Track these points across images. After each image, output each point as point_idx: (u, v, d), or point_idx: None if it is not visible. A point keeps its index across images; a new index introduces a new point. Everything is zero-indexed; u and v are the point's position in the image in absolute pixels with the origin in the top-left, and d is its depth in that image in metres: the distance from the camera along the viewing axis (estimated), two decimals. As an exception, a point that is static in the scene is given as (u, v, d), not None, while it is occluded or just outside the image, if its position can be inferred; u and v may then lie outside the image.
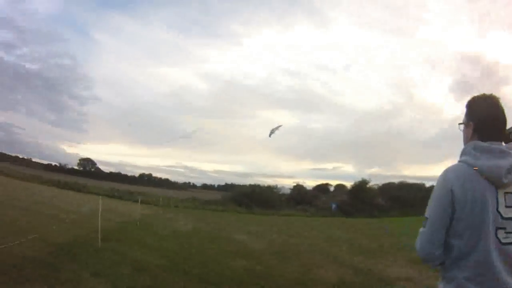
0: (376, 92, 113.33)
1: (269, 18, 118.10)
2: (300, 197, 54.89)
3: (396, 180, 60.58)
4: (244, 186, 59.11)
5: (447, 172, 2.26)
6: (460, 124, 2.46)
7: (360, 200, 49.87)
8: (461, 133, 2.45)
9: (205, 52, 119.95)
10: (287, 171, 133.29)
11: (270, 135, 23.67)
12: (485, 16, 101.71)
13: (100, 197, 17.91)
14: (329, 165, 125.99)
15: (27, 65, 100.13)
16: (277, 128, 25.15)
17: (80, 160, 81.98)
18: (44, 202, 23.74)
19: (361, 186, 52.82)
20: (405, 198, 50.29)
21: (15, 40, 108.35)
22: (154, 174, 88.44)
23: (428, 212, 2.29)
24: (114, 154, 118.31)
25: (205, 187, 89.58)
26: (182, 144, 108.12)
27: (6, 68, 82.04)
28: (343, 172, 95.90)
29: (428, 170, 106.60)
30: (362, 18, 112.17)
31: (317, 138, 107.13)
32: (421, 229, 2.31)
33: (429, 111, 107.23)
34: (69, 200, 29.28)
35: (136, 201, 29.41)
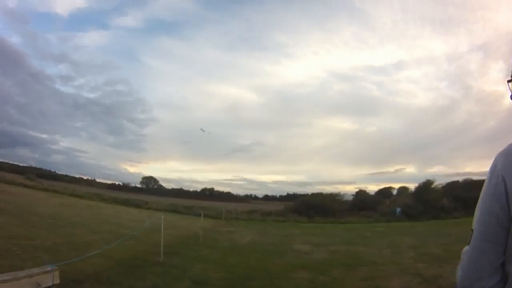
0: (430, 87, 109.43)
1: (312, 25, 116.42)
2: (362, 203, 53.34)
3: (459, 178, 58.47)
4: (305, 195, 58.49)
5: (496, 157, 1.69)
6: (509, 81, 1.84)
7: (423, 202, 47.78)
8: None
9: (254, 65, 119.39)
10: (348, 177, 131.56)
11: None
12: None
13: (162, 212, 18.08)
14: (390, 168, 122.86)
15: (85, 94, 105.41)
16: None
17: (143, 178, 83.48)
18: (106, 219, 24.43)
19: (425, 187, 50.88)
20: (471, 197, 48.35)
21: (71, 73, 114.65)
22: (215, 188, 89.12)
23: (474, 220, 1.72)
24: (173, 171, 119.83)
25: (266, 198, 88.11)
26: (239, 157, 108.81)
27: (66, 99, 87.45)
28: (405, 174, 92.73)
29: (488, 166, 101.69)
30: (407, 13, 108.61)
31: (374, 141, 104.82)
32: (465, 248, 1.69)
33: (487, 101, 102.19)
34: (130, 216, 29.86)
35: (198, 215, 29.51)
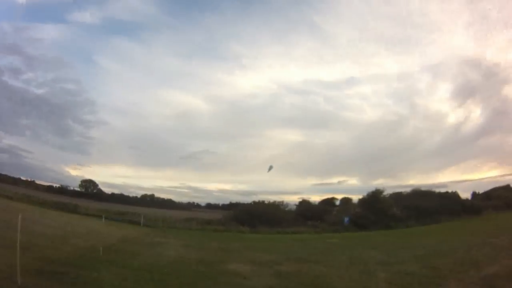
0: (379, 104, 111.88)
1: (271, 38, 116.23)
2: (309, 213, 50.31)
3: (403, 190, 58.42)
4: (247, 204, 55.27)
5: None
6: None
7: (374, 212, 45.57)
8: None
9: (210, 75, 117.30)
10: (292, 188, 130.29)
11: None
12: (484, 18, 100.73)
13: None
14: (334, 180, 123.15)
15: (33, 90, 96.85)
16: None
17: (82, 181, 78.19)
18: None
19: (375, 197, 48.33)
20: (422, 206, 47.36)
21: (21, 66, 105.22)
22: (157, 195, 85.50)
23: None
24: (118, 176, 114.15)
25: (209, 206, 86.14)
26: (187, 166, 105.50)
27: (13, 93, 79.92)
28: (348, 185, 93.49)
29: (434, 178, 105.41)
30: (364, 32, 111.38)
31: (322, 154, 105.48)
32: None
33: (433, 119, 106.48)
34: (48, 221, 24.76)
35: (129, 223, 25.00)
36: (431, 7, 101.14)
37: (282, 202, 53.34)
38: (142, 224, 34.28)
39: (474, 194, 69.11)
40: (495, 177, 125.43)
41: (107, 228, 24.37)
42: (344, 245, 22.83)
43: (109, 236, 19.83)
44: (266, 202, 51.69)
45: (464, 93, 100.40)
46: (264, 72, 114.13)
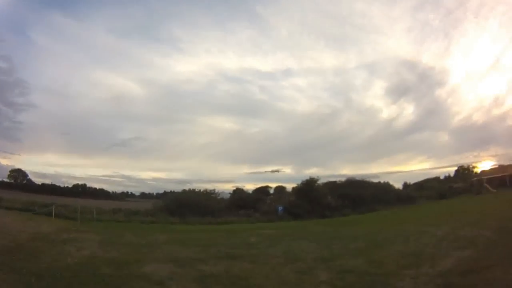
0: (314, 96, 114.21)
1: (211, 22, 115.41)
2: (241, 202, 49.16)
3: (336, 179, 58.81)
4: (176, 193, 52.96)
5: None
6: None
7: (308, 201, 45.16)
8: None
9: (146, 56, 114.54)
10: (227, 176, 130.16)
11: None
12: (425, 25, 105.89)
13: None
14: (268, 168, 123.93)
15: None
16: None
17: (11, 171, 73.81)
18: None
19: (309, 185, 48.01)
20: (357, 195, 47.42)
21: None
22: (89, 184, 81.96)
23: None
24: (50, 165, 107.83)
25: (143, 196, 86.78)
26: (120, 153, 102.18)
27: None
28: (281, 174, 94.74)
29: (366, 169, 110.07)
30: (304, 26, 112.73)
31: (256, 143, 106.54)
32: None
33: (367, 113, 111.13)
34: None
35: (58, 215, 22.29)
36: (374, 10, 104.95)
37: (214, 190, 51.25)
38: (64, 217, 31.48)
39: (405, 185, 71.19)
40: (425, 169, 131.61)
41: (23, 224, 21.43)
42: (279, 236, 21.17)
43: (20, 233, 17.18)
44: (197, 190, 49.55)
45: (399, 91, 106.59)
46: (202, 58, 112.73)
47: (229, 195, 57.03)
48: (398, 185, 71.27)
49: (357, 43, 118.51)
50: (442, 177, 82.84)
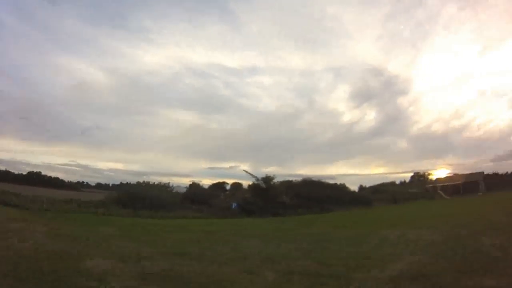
0: (278, 96, 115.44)
1: (181, 16, 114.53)
2: (196, 197, 48.60)
3: (293, 179, 58.90)
4: (130, 185, 52.03)
5: None
6: None
7: (263, 198, 45.26)
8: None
9: (113, 45, 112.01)
10: (184, 170, 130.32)
11: None
12: (394, 35, 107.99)
13: None
14: (226, 164, 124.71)
15: None
16: None
17: None
18: None
19: (265, 183, 48.28)
20: (312, 195, 47.54)
21: None
22: (45, 172, 79.89)
23: None
24: (6, 150, 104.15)
25: (99, 186, 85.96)
26: (79, 141, 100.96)
27: None
28: (239, 171, 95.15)
29: (323, 170, 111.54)
30: (275, 25, 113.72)
31: (216, 138, 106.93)
32: None
33: (328, 116, 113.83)
34: None
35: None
36: (346, 15, 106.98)
37: (168, 183, 50.62)
38: (14, 206, 30.24)
39: (361, 187, 72.54)
40: (382, 174, 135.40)
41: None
42: (230, 234, 20.71)
43: None
44: (151, 183, 48.82)
45: (362, 96, 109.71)
46: (169, 50, 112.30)
47: (185, 189, 56.44)
48: (354, 187, 72.63)
49: (326, 46, 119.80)
50: (397, 182, 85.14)
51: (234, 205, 45.57)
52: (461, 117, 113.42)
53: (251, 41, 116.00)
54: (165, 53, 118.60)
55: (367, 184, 79.40)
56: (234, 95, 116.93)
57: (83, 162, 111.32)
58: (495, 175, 79.60)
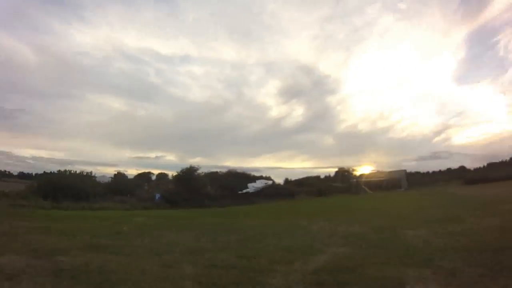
0: (209, 86, 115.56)
1: None
2: (120, 187, 47.97)
3: (219, 170, 60.67)
4: (52, 174, 50.09)
5: None
6: None
7: (187, 189, 45.26)
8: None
9: (45, 20, 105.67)
10: (110, 159, 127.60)
11: None
12: (329, 37, 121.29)
13: None
14: (152, 154, 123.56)
15: None
16: None
17: None
18: None
19: (189, 173, 48.07)
20: (237, 187, 48.53)
21: None
22: None
23: None
24: None
25: (22, 176, 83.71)
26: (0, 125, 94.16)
27: None
28: (166, 161, 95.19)
29: (250, 163, 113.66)
30: (213, 16, 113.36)
31: (143, 126, 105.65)
32: None
33: (257, 109, 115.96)
34: None
35: None
36: (284, 13, 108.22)
37: (91, 173, 49.28)
38: None
39: (286, 180, 74.40)
40: (307, 168, 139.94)
41: None
42: (151, 226, 20.36)
43: None
44: (72, 172, 47.19)
45: (291, 93, 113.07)
46: (102, 30, 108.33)
47: (110, 179, 55.66)
48: (280, 180, 74.27)
49: (261, 41, 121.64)
50: (322, 177, 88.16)
51: (157, 196, 45.10)
52: (387, 119, 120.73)
53: (186, 29, 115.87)
54: (98, 33, 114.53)
55: (293, 177, 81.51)
56: (164, 83, 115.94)
57: (3, 148, 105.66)
58: (417, 173, 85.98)
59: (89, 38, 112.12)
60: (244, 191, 51.14)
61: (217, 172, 58.61)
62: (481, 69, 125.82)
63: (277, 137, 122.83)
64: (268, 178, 65.52)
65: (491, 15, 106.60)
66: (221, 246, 13.35)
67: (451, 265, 8.83)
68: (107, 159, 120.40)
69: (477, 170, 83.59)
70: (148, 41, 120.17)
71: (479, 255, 9.74)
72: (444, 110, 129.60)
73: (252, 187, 52.58)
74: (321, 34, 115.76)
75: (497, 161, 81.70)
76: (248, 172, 63.64)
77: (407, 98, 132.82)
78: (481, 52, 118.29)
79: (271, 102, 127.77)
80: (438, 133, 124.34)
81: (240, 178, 55.72)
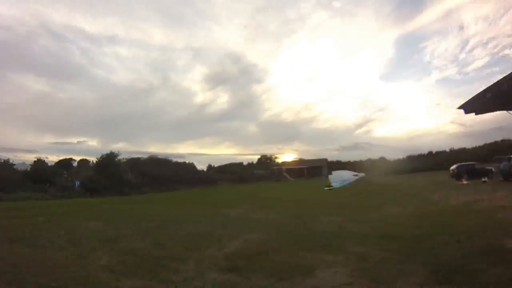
0: (134, 69, 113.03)
1: None
2: (38, 175, 46.54)
3: (142, 156, 59.89)
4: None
5: None
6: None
7: (107, 176, 45.02)
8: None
9: None
10: (30, 145, 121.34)
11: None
12: (259, 26, 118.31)
13: None
14: (73, 139, 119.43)
15: None
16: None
17: None
18: None
19: (109, 160, 47.99)
20: (158, 173, 48.64)
21: None
22: None
23: None
24: None
25: None
26: None
27: None
28: (88, 146, 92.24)
29: (173, 148, 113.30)
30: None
31: (64, 110, 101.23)
32: None
33: (182, 95, 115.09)
34: None
35: None
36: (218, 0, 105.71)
37: (9, 160, 47.83)
38: None
39: (209, 167, 75.32)
40: (231, 155, 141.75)
41: None
42: (69, 215, 19.93)
43: None
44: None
45: (218, 80, 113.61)
46: (29, 3, 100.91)
47: (29, 166, 53.81)
48: (203, 167, 75.17)
49: (191, 26, 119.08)
50: (245, 163, 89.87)
51: (77, 183, 44.35)
52: (311, 110, 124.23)
53: (116, 8, 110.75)
54: (24, 6, 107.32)
55: (216, 164, 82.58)
56: (89, 64, 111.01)
57: None
58: (338, 162, 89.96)
59: (14, 10, 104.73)
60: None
61: (139, 158, 58.22)
62: (407, 70, 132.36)
63: (201, 124, 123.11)
64: (191, 165, 66.30)
65: (422, 23, 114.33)
66: (137, 233, 13.51)
67: (362, 250, 9.48)
68: (27, 145, 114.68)
69: (396, 161, 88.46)
70: (75, 18, 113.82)
71: (390, 241, 10.52)
72: (368, 105, 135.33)
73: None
74: (252, 23, 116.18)
75: (415, 154, 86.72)
76: (171, 159, 64.04)
77: (332, 91, 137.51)
78: (409, 55, 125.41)
79: (196, 88, 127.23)
80: (360, 125, 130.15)
81: (162, 164, 55.80)
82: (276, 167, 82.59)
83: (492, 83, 7.58)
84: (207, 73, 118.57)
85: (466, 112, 6.87)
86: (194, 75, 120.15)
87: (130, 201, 31.04)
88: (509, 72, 5.60)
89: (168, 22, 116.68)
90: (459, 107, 6.61)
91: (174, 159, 64.31)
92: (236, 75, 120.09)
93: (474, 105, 6.86)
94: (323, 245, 10.34)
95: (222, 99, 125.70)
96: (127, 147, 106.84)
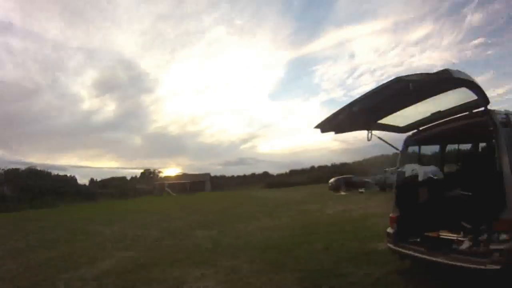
0: (23, 66, 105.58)
1: None
2: None
3: (23, 167, 55.55)
4: None
5: None
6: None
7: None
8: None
9: None
10: None
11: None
12: (160, 34, 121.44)
13: None
14: None
15: None
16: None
17: None
18: None
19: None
20: (37, 187, 46.23)
21: None
22: None
23: None
24: None
25: None
26: None
27: None
28: None
29: (56, 159, 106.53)
30: None
31: None
32: None
33: (68, 100, 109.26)
34: None
35: None
36: (122, 2, 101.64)
37: None
38: None
39: (92, 181, 72.88)
40: (114, 168, 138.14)
41: None
42: None
43: None
44: None
45: (106, 86, 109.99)
46: None
47: None
48: (86, 180, 72.32)
49: (90, 25, 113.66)
50: (128, 178, 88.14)
51: None
52: (197, 124, 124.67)
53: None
54: None
55: (99, 177, 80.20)
56: None
57: None
58: (223, 177, 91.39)
59: None
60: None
61: (18, 169, 54.27)
62: (295, 90, 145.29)
63: (86, 133, 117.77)
64: (72, 179, 63.61)
65: (315, 49, 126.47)
66: (5, 255, 12.91)
67: (233, 263, 9.72)
68: None
69: (279, 175, 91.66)
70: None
71: (262, 253, 10.86)
72: (254, 121, 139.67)
73: None
74: (151, 31, 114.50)
75: (299, 168, 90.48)
76: (52, 171, 60.92)
77: (220, 106, 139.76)
78: (299, 76, 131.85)
79: (84, 93, 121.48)
80: (246, 140, 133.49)
81: (42, 178, 52.91)
82: (158, 182, 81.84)
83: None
84: (97, 78, 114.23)
85: (323, 131, 7.72)
86: (84, 79, 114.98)
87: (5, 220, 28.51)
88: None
89: (67, 15, 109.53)
90: (315, 127, 7.07)
91: (55, 172, 61.24)
92: (126, 83, 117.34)
93: (330, 126, 7.71)
94: (194, 259, 10.54)
95: (109, 107, 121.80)
96: (6, 156, 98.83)
